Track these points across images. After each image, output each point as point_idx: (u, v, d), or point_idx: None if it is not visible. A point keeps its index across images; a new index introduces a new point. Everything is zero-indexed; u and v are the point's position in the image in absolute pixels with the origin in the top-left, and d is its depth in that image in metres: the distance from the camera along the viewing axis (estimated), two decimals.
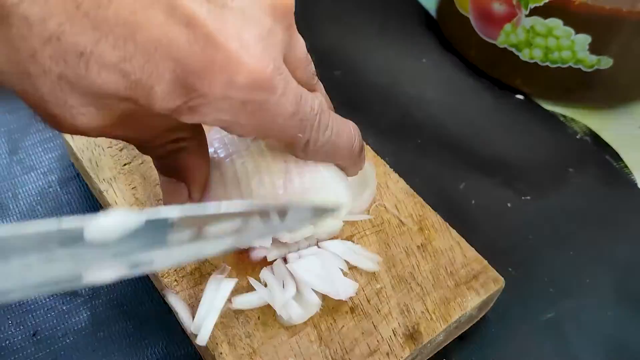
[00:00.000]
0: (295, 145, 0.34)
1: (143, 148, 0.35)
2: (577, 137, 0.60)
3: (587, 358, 0.45)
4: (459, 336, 0.45)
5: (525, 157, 0.58)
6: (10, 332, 0.43)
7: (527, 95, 0.63)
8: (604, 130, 0.61)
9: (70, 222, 0.23)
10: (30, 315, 0.44)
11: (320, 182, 0.38)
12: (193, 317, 0.38)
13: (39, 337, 0.43)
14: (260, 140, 0.39)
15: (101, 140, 0.48)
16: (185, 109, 0.28)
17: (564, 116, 0.62)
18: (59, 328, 0.43)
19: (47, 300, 0.44)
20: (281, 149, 0.38)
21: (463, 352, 0.45)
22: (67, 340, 0.43)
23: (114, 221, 0.24)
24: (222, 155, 0.40)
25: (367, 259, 0.42)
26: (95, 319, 0.44)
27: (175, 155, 0.35)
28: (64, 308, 0.44)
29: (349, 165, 0.39)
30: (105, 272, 0.25)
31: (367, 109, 0.60)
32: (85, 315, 0.44)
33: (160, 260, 0.27)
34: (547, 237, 0.52)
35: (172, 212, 0.26)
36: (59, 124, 0.28)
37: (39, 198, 0.50)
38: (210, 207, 0.27)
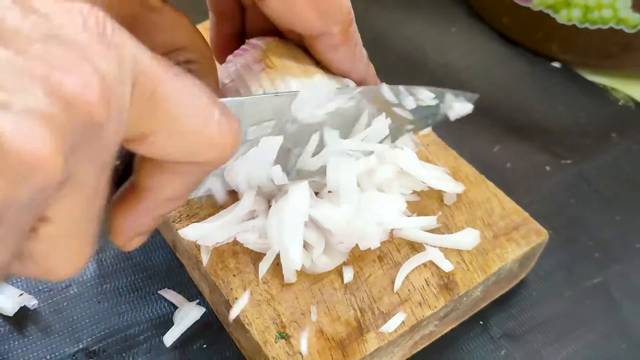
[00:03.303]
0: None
1: None
2: (620, 103, 0.56)
3: (638, 324, 0.41)
4: (498, 299, 0.41)
5: (563, 122, 0.54)
6: (11, 283, 0.39)
7: (564, 62, 0.59)
8: None
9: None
10: None
11: None
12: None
13: (40, 288, 0.40)
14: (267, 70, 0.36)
15: None
16: None
17: (604, 85, 0.58)
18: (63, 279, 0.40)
19: None
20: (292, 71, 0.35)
21: (501, 315, 0.41)
22: (72, 292, 0.40)
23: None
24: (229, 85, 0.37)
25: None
26: (102, 271, 0.41)
27: None
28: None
29: (363, 73, 0.37)
30: None
31: (394, 78, 0.57)
32: (91, 267, 0.41)
33: None
34: (590, 201, 0.48)
35: None
36: None
37: None
38: None
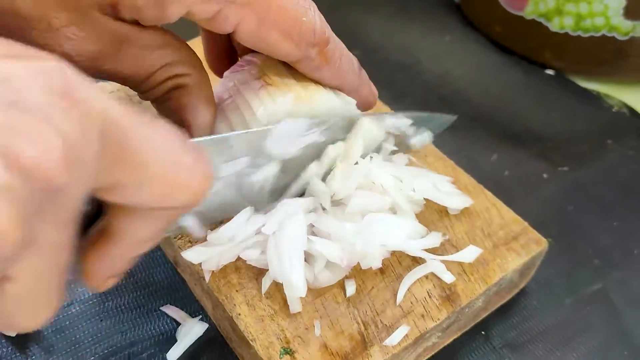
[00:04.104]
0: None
1: (141, 90, 0.33)
2: (614, 110, 0.57)
3: (639, 330, 0.41)
4: (499, 308, 0.41)
5: (559, 129, 0.54)
6: None
7: (558, 70, 0.60)
8: None
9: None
10: None
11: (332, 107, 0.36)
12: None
13: None
14: (267, 87, 0.36)
15: None
16: None
17: (598, 92, 0.58)
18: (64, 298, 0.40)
19: None
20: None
21: (503, 325, 0.41)
22: (74, 310, 0.40)
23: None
24: (227, 102, 0.37)
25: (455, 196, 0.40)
26: None
27: (175, 94, 0.32)
28: (70, 277, 0.41)
29: (354, 83, 0.37)
30: None
31: (389, 87, 0.58)
32: None
33: None
34: (588, 208, 0.48)
35: None
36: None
37: None
38: None
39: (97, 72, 0.29)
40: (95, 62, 0.28)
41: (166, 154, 0.21)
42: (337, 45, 0.35)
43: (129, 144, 0.20)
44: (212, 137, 0.31)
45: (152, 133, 0.21)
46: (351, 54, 0.36)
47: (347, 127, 0.37)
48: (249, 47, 0.33)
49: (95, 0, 0.27)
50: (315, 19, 0.32)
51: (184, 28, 0.33)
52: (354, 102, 0.36)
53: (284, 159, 0.34)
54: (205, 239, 0.35)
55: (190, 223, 0.30)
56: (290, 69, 0.35)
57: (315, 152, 0.36)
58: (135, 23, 0.29)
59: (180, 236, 0.38)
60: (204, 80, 0.34)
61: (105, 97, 0.19)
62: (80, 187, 0.18)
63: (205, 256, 0.34)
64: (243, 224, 0.34)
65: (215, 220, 0.35)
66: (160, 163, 0.21)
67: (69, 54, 0.28)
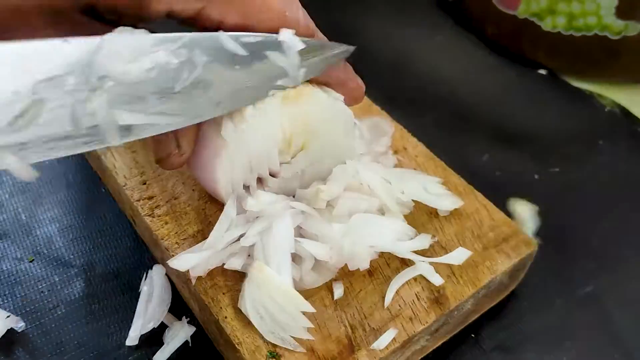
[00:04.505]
0: None
1: None
2: (606, 110, 0.56)
3: (630, 334, 0.41)
4: (489, 311, 0.41)
5: (551, 130, 0.54)
6: None
7: (551, 70, 0.59)
8: (634, 107, 0.57)
9: None
10: (19, 287, 0.40)
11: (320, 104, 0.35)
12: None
13: (27, 309, 0.39)
14: None
15: None
16: None
17: (591, 92, 0.58)
18: (50, 300, 0.40)
19: (38, 270, 0.41)
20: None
21: (493, 328, 0.41)
22: (59, 312, 0.39)
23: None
24: None
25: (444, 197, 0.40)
26: (90, 290, 0.40)
27: None
28: (56, 279, 0.41)
29: (340, 77, 0.36)
30: None
31: (381, 87, 0.57)
32: (79, 286, 0.40)
33: None
34: (580, 209, 0.48)
35: None
36: None
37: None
38: None
39: None
40: None
41: None
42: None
43: None
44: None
45: None
46: None
47: (210, 51, 0.29)
48: None
49: (75, 2, 0.27)
50: (299, 13, 0.32)
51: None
52: (341, 97, 0.36)
53: (124, 81, 0.27)
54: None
55: (11, 161, 0.25)
56: None
57: (170, 81, 0.28)
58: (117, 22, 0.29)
59: (167, 236, 0.38)
60: None
61: None
62: None
63: (192, 263, 0.34)
64: (221, 234, 0.34)
65: (45, 158, 0.27)
66: None
67: None
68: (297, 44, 0.32)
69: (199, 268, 0.35)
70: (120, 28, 0.27)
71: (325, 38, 0.35)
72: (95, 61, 0.26)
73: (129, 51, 0.27)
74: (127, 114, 0.28)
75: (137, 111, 0.28)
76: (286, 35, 0.31)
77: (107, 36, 0.26)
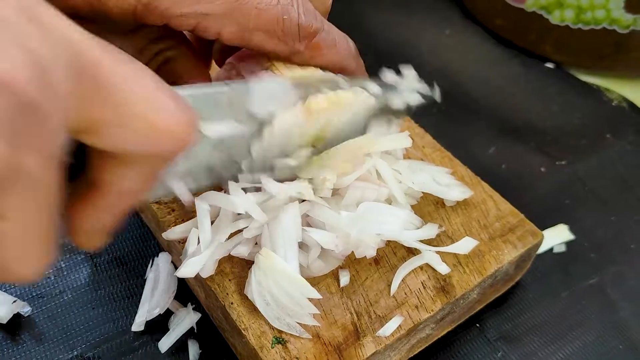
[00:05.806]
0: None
1: None
2: (613, 104, 0.56)
3: (634, 325, 0.41)
4: (494, 301, 0.41)
5: (558, 123, 0.54)
6: (4, 290, 0.39)
7: (558, 63, 0.59)
8: None
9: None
10: None
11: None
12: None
13: (34, 294, 0.39)
14: None
15: None
16: None
17: (598, 86, 0.58)
18: (56, 285, 0.40)
19: None
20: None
21: (498, 318, 0.41)
22: (66, 297, 0.39)
23: None
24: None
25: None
26: (96, 276, 0.41)
27: (167, 67, 0.33)
28: (63, 265, 0.41)
29: (352, 67, 0.36)
30: None
31: None
32: (85, 272, 0.41)
33: None
34: (586, 202, 0.48)
35: None
36: None
37: None
38: None
39: None
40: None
41: (144, 93, 0.21)
42: (330, 34, 0.34)
43: (104, 78, 0.20)
44: (194, 88, 0.30)
45: (127, 70, 0.21)
46: (349, 39, 0.36)
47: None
48: (236, 45, 0.33)
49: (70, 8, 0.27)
50: (300, 14, 0.32)
51: None
52: (366, 93, 0.36)
53: (267, 119, 0.32)
54: (192, 208, 0.34)
55: (177, 186, 0.29)
56: None
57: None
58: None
59: (174, 223, 0.38)
60: (190, 50, 0.34)
61: (74, 27, 0.19)
62: (58, 113, 0.18)
63: (199, 266, 0.34)
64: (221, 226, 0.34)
65: (203, 185, 0.33)
66: (138, 101, 0.21)
67: None
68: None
69: (207, 268, 0.34)
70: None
71: (336, 29, 0.35)
72: (246, 102, 0.31)
73: (272, 94, 0.31)
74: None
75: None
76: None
77: (254, 81, 0.31)
